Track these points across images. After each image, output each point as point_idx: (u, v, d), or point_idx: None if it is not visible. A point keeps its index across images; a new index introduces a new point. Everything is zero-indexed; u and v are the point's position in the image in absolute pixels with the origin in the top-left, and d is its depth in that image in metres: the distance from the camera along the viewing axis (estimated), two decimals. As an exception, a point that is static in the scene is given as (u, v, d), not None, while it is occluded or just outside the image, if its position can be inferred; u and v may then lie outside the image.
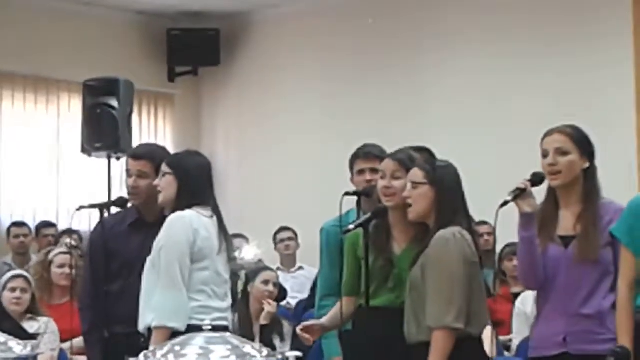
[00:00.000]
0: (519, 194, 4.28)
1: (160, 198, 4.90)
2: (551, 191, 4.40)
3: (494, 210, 4.19)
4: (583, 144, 4.36)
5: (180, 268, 4.68)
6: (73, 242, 8.29)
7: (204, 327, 2.78)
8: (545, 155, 4.37)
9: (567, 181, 4.34)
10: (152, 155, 5.19)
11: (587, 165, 4.35)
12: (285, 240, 9.87)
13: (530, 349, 4.53)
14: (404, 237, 4.57)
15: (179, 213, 4.76)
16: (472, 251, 4.34)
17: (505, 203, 4.24)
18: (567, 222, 4.35)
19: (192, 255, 4.72)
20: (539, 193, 4.43)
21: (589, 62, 8.89)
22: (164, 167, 4.88)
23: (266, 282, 6.99)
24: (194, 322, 4.61)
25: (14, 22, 10.23)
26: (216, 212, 4.88)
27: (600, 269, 4.29)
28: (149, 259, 4.79)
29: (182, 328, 4.52)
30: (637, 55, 8.62)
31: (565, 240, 4.34)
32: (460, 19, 9.72)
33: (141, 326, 4.76)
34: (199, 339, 2.74)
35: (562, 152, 4.33)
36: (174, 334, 4.44)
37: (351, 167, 5.15)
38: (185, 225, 4.72)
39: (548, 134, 4.40)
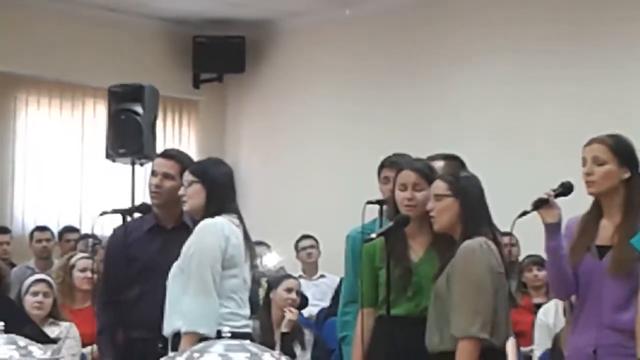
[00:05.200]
0: (540, 205, 4.26)
1: (187, 207, 4.90)
2: (596, 200, 4.36)
3: (520, 220, 4.18)
4: (623, 153, 4.30)
5: (212, 274, 4.68)
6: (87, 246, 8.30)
7: (223, 335, 2.78)
8: (584, 164, 4.34)
9: (601, 191, 4.29)
10: (182, 158, 5.24)
11: (627, 175, 4.29)
12: (307, 248, 9.87)
13: (565, 358, 4.50)
14: (420, 245, 4.58)
15: (210, 219, 4.76)
16: (498, 262, 4.34)
17: (524, 213, 4.22)
18: (606, 232, 4.31)
19: (223, 262, 4.73)
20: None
21: (621, 71, 8.84)
22: (189, 176, 4.87)
23: (289, 290, 6.99)
24: (224, 328, 4.59)
25: (39, 28, 10.28)
26: (240, 220, 4.88)
27: (635, 282, 4.20)
28: (175, 265, 4.79)
29: (212, 334, 4.50)
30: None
31: (602, 251, 4.30)
32: (488, 27, 9.69)
33: (167, 331, 4.76)
34: (218, 346, 2.73)
35: (599, 162, 4.28)
36: (202, 340, 4.44)
37: (378, 176, 5.14)
38: (217, 232, 4.73)
39: (588, 143, 4.37)
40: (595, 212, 4.36)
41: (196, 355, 2.71)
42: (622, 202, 4.29)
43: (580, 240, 4.34)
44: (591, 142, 4.36)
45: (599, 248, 4.31)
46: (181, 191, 4.91)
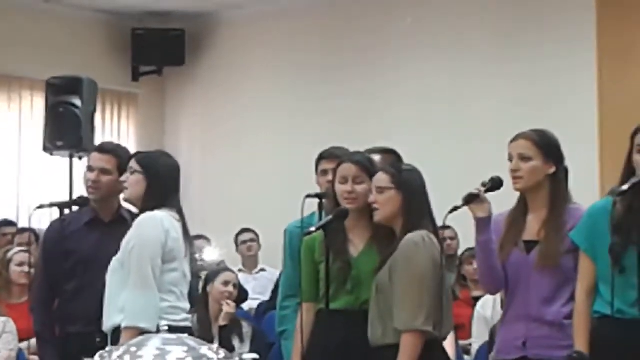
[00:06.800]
0: (471, 200, 4.30)
1: (126, 194, 4.90)
2: (522, 195, 4.42)
3: (458, 213, 4.21)
4: (548, 149, 4.36)
5: (152, 268, 4.66)
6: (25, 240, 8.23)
7: (161, 329, 2.77)
8: (510, 160, 4.40)
9: (528, 186, 4.35)
10: (118, 152, 5.20)
11: (552, 170, 4.35)
12: (247, 242, 9.86)
13: (495, 352, 4.56)
14: (360, 239, 4.57)
15: (150, 213, 4.75)
16: (440, 255, 4.35)
17: (456, 208, 4.25)
18: (532, 227, 4.37)
19: (163, 255, 4.71)
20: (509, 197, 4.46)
21: (551, 67, 8.95)
22: (134, 165, 4.86)
23: (226, 283, 6.97)
24: (162, 322, 4.58)
25: (-24, 19, 10.16)
26: (181, 215, 4.87)
27: (562, 276, 4.29)
28: (115, 259, 4.77)
29: (153, 328, 4.45)
30: (600, 61, 8.68)
31: (529, 246, 4.36)
32: (425, 22, 9.75)
33: (107, 326, 4.74)
34: (155, 340, 2.73)
35: (525, 158, 4.34)
36: (143, 334, 4.42)
37: (316, 168, 5.14)
38: (157, 226, 4.71)
39: (514, 139, 4.42)
40: (522, 208, 4.42)
41: (133, 349, 2.70)
42: (548, 197, 4.36)
43: (508, 235, 4.40)
44: (517, 138, 4.41)
45: (526, 243, 4.38)
46: (123, 177, 4.90)
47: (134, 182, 4.84)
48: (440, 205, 4.39)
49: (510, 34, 9.23)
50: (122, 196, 4.96)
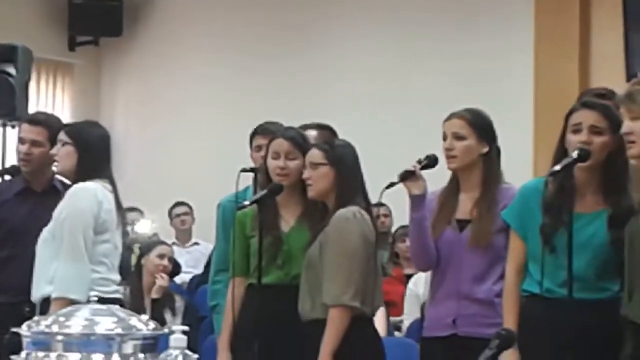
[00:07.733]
0: (407, 177, 4.32)
1: (59, 168, 4.88)
2: (454, 175, 4.45)
3: (392, 191, 4.22)
4: (482, 128, 4.39)
5: (84, 239, 4.65)
6: None
7: (90, 299, 2.76)
8: (444, 139, 4.42)
9: (462, 165, 4.39)
10: (49, 123, 5.16)
11: (486, 150, 4.38)
12: (181, 215, 9.84)
13: (424, 330, 4.59)
14: (291, 214, 4.60)
15: (83, 184, 4.73)
16: (371, 231, 4.39)
17: (392, 185, 4.28)
18: (465, 206, 4.40)
19: (95, 227, 4.70)
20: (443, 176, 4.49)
21: (490, 48, 9.00)
22: (63, 137, 4.82)
23: (162, 257, 6.96)
24: (92, 293, 4.56)
25: None
26: (113, 186, 4.85)
27: (493, 255, 4.34)
28: (46, 230, 4.75)
29: (84, 300, 4.44)
30: (538, 41, 8.75)
31: (462, 224, 4.40)
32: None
33: (36, 296, 4.72)
34: (84, 311, 2.73)
35: (459, 137, 4.37)
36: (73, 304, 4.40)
37: (251, 144, 5.14)
38: (90, 197, 4.69)
39: (448, 118, 4.45)
40: (454, 187, 4.45)
41: (62, 319, 2.69)
42: (481, 176, 4.40)
43: (441, 214, 4.43)
44: (451, 117, 4.44)
45: (459, 222, 4.41)
46: (54, 150, 4.86)
47: (65, 154, 4.80)
48: (382, 181, 4.40)
49: (450, 14, 9.26)
50: (56, 170, 4.92)
